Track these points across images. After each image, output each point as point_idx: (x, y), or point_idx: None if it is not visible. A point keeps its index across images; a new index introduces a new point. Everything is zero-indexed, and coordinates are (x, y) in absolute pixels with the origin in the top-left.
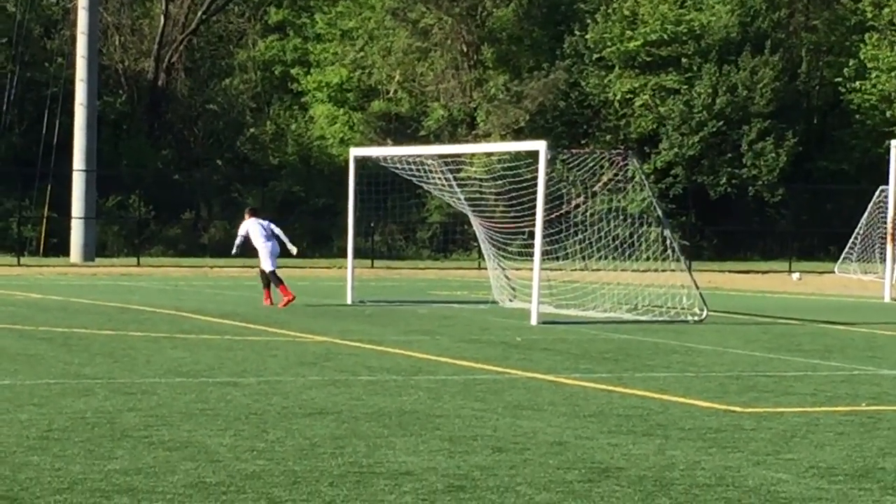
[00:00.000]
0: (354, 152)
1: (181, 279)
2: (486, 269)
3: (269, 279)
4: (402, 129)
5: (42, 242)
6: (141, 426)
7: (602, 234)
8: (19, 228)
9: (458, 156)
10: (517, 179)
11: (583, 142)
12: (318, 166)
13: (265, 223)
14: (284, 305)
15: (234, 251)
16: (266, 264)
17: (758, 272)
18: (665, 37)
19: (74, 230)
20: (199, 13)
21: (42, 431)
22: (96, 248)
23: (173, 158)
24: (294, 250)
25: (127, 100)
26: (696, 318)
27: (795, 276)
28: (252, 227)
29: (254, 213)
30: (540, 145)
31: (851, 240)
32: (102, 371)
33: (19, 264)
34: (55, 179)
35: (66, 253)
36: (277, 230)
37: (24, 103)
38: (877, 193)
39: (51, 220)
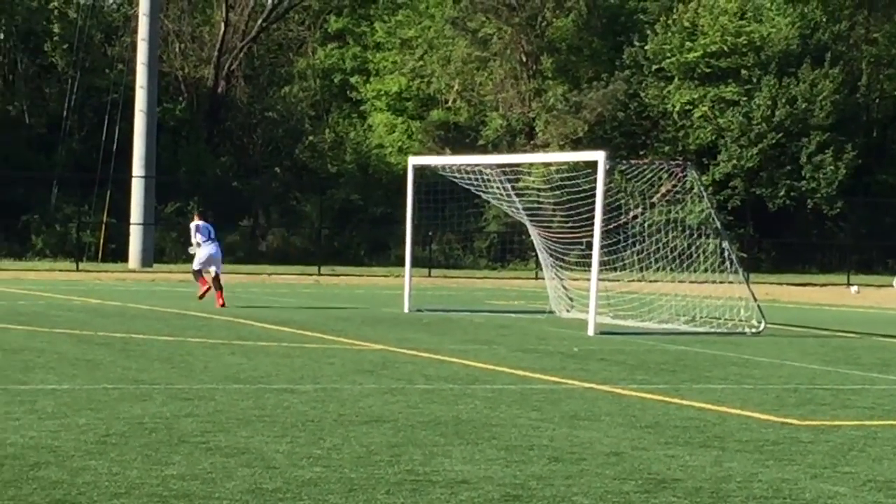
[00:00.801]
0: (413, 161)
1: (239, 286)
2: (543, 278)
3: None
4: (460, 138)
5: (101, 248)
6: (198, 432)
7: (660, 245)
8: (78, 234)
9: (517, 165)
10: (575, 190)
11: (641, 153)
12: (376, 175)
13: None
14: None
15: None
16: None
17: (816, 285)
18: (724, 48)
19: (133, 236)
20: (259, 21)
21: (100, 436)
22: (154, 254)
23: (232, 165)
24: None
25: (186, 107)
26: (753, 331)
27: (854, 289)
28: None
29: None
30: (599, 156)
31: None
32: (160, 377)
33: (78, 270)
34: (114, 185)
35: (125, 259)
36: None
37: (84, 109)
38: None
39: (110, 225)
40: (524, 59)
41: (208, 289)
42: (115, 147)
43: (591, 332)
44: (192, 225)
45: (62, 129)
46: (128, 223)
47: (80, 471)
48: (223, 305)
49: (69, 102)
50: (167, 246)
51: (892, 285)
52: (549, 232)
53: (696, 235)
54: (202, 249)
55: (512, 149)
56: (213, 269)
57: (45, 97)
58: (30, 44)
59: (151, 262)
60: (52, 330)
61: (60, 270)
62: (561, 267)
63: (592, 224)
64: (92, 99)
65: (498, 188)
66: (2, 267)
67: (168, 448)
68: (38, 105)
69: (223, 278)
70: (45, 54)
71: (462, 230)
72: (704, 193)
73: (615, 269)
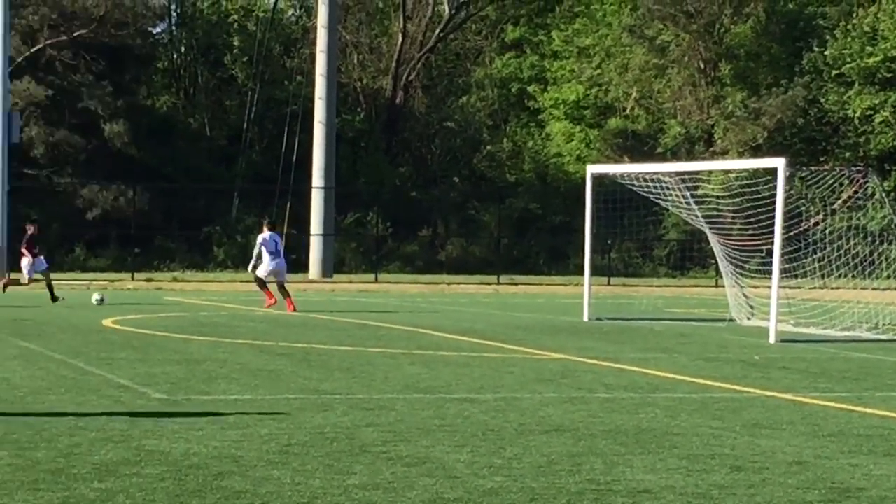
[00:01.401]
0: (591, 169)
1: (418, 295)
2: (723, 286)
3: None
4: (638, 146)
5: None
6: (379, 441)
7: (841, 252)
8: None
9: (696, 173)
10: (755, 197)
11: (821, 159)
12: (554, 183)
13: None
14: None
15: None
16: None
17: None
18: None
19: (313, 247)
20: (437, 31)
21: (282, 446)
22: (334, 265)
23: (411, 175)
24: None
25: (365, 117)
26: None
27: None
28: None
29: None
30: (778, 162)
31: None
32: (341, 386)
33: None
34: (294, 196)
35: (305, 269)
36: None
37: (264, 121)
38: None
39: (290, 236)
40: (702, 66)
41: (274, 301)
42: (294, 158)
43: (772, 339)
44: (260, 237)
45: (242, 141)
46: (308, 234)
47: (263, 480)
48: (294, 310)
49: (249, 114)
50: (347, 256)
51: None
52: (728, 239)
53: (878, 242)
54: (265, 262)
55: (691, 156)
56: (276, 279)
57: (225, 110)
58: (210, 57)
59: (332, 272)
60: (235, 341)
61: (242, 281)
62: (741, 274)
63: (772, 231)
64: (271, 111)
65: (677, 196)
66: (184, 278)
67: (349, 457)
68: (219, 118)
69: (291, 287)
70: (226, 67)
71: (641, 238)
72: (886, 199)
73: (796, 277)
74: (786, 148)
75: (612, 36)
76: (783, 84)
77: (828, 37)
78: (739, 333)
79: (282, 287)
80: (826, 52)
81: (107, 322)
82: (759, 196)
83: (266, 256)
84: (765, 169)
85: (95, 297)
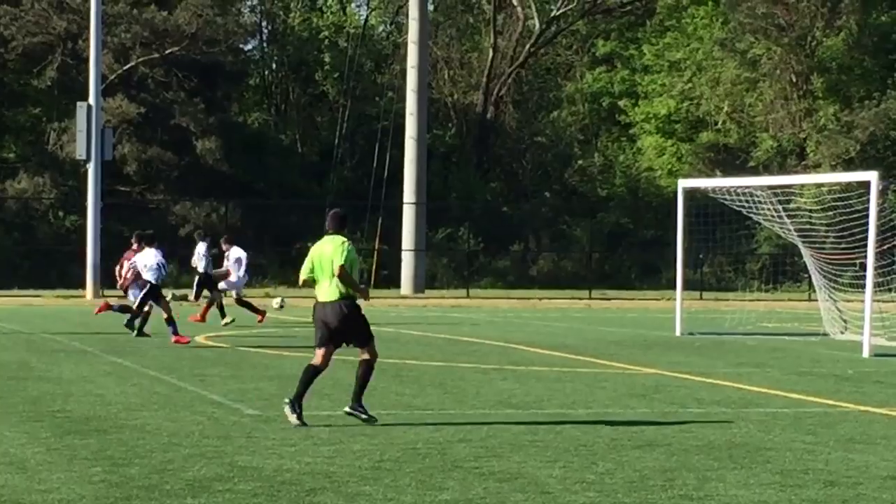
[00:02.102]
0: (683, 184)
1: (510, 311)
2: (816, 300)
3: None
4: (730, 159)
5: (374, 274)
6: (471, 457)
7: None
8: None
9: (788, 186)
10: (848, 210)
11: None
12: (646, 198)
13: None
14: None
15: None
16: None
17: None
18: None
19: (405, 262)
20: (528, 46)
21: (374, 462)
22: (426, 280)
23: (502, 191)
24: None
25: (456, 133)
26: None
27: None
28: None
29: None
30: (871, 176)
31: None
32: (433, 402)
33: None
34: (386, 212)
35: (397, 285)
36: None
37: (355, 137)
38: None
39: (382, 252)
40: (794, 80)
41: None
42: (385, 174)
43: (865, 354)
44: (238, 252)
45: (334, 157)
46: (399, 249)
47: (356, 496)
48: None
49: (340, 130)
50: (438, 271)
51: None
52: (821, 253)
53: None
54: (242, 276)
55: (783, 170)
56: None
57: (316, 126)
58: (301, 73)
59: (423, 287)
60: None
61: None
62: (834, 288)
63: (866, 245)
64: (363, 127)
65: (769, 210)
66: (276, 294)
67: (442, 473)
68: (310, 134)
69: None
70: (317, 83)
71: (733, 252)
72: None
73: (890, 291)
74: (879, 161)
75: (704, 49)
76: (875, 97)
77: None
78: (833, 348)
79: (240, 300)
80: None
81: (200, 338)
82: (852, 209)
83: (243, 270)
84: (858, 182)
85: (276, 302)
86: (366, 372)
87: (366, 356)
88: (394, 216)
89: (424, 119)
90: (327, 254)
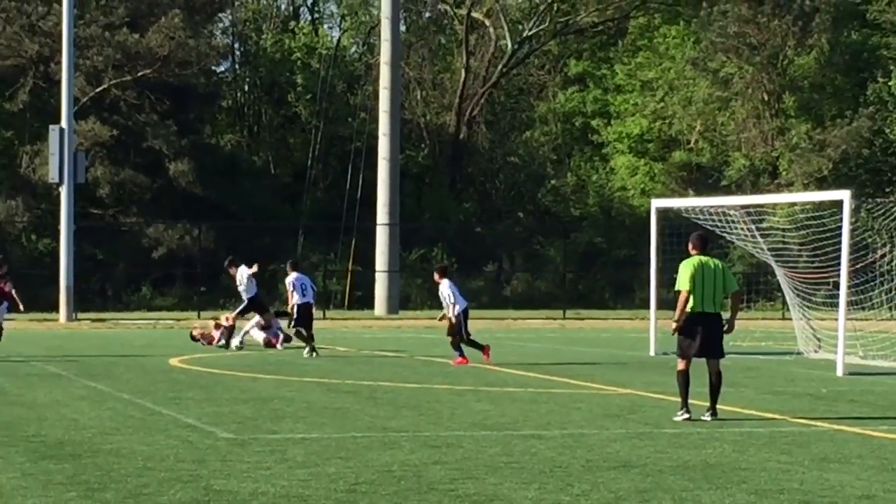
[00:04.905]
0: (656, 203)
1: (484, 331)
2: (790, 319)
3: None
4: (703, 179)
5: (347, 296)
6: (447, 479)
7: None
8: (325, 282)
9: (761, 205)
10: (821, 229)
11: (887, 190)
12: (619, 217)
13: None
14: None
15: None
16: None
17: None
18: None
19: (378, 283)
20: (500, 66)
21: (349, 485)
22: (400, 301)
23: (475, 211)
24: None
25: (429, 153)
26: None
27: None
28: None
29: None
30: (844, 194)
31: None
32: (408, 424)
33: (325, 317)
34: (359, 233)
35: (371, 306)
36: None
37: (328, 158)
38: None
39: (355, 273)
40: (766, 98)
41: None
42: (359, 195)
43: (839, 372)
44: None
45: (307, 179)
46: (373, 270)
47: None
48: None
49: (313, 152)
50: (413, 292)
51: None
52: (795, 272)
53: None
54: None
55: (755, 189)
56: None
57: (289, 147)
58: (274, 95)
59: (397, 308)
60: (301, 379)
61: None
62: (808, 307)
63: (839, 263)
64: (335, 148)
65: (742, 229)
66: (250, 316)
67: (417, 496)
68: (283, 155)
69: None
70: (289, 105)
71: None
72: None
73: (863, 309)
74: (851, 179)
75: (676, 69)
76: (847, 115)
77: (892, 67)
78: (807, 366)
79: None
80: (890, 83)
81: (174, 361)
82: (825, 228)
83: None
84: (830, 201)
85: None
86: None
87: None
88: (367, 237)
89: (397, 140)
90: None
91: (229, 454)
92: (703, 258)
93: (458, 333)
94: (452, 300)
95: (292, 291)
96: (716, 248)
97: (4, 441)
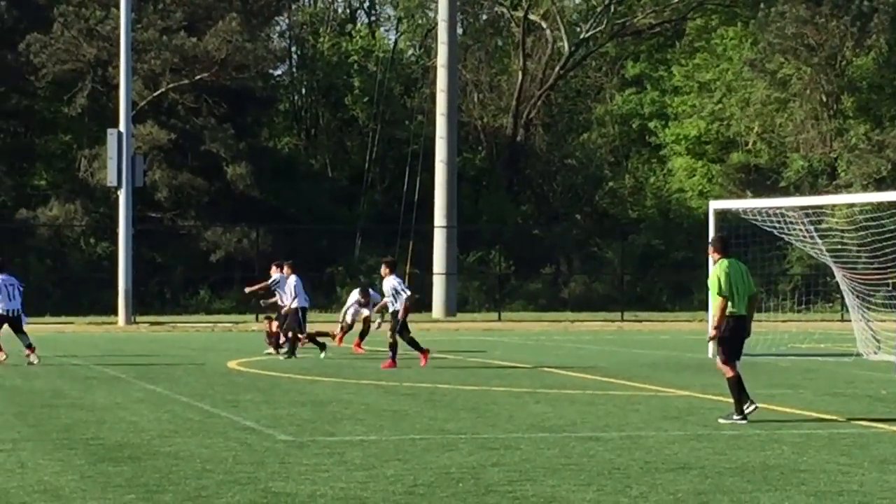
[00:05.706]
0: (714, 205)
1: (542, 334)
2: (849, 321)
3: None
4: (761, 180)
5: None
6: (505, 481)
7: None
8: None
9: (819, 207)
10: (880, 230)
11: None
12: (677, 219)
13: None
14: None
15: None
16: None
17: None
18: None
19: (436, 286)
20: (557, 69)
21: (408, 487)
22: (458, 304)
23: (532, 213)
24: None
25: (486, 156)
26: None
27: None
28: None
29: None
30: None
31: None
32: (466, 426)
33: (384, 320)
34: (416, 236)
35: (429, 308)
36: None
37: (385, 161)
38: None
39: (413, 276)
40: (824, 99)
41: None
42: (416, 198)
43: None
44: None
45: (364, 182)
46: (431, 273)
47: None
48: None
49: (370, 155)
50: (470, 295)
51: None
52: (853, 273)
53: None
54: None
55: (814, 190)
56: None
57: (346, 150)
58: (331, 98)
59: (455, 311)
60: (359, 381)
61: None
62: (867, 308)
63: None
64: (392, 151)
65: (801, 230)
66: (309, 319)
67: (475, 498)
68: (340, 158)
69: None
70: (346, 108)
71: (765, 273)
72: None
73: None
74: None
75: (733, 70)
76: None
77: None
78: (866, 368)
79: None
80: None
81: (232, 364)
82: (884, 229)
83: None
84: (889, 202)
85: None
86: None
87: None
88: (425, 240)
89: (454, 142)
90: None
91: (287, 456)
92: (731, 261)
93: (400, 332)
94: (397, 294)
95: (295, 296)
96: (774, 249)
97: (64, 444)
